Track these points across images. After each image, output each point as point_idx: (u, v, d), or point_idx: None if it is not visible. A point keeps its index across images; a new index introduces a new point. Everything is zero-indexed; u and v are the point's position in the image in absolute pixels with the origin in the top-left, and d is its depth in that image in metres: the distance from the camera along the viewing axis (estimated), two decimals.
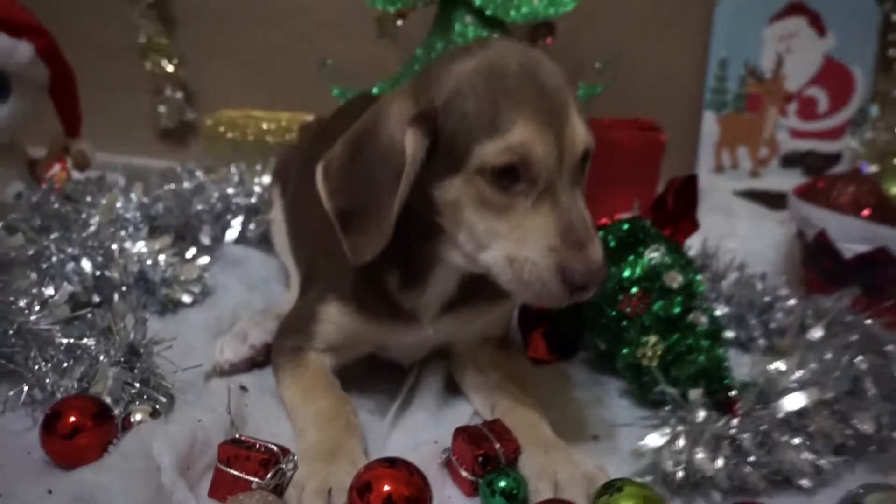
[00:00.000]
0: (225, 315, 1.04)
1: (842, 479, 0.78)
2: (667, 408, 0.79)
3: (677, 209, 1.06)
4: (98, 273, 1.04)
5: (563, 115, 0.69)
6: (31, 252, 1.01)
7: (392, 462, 0.65)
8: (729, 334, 1.07)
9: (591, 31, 1.60)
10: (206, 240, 1.23)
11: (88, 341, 0.83)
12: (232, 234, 1.26)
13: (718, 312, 1.08)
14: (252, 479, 0.67)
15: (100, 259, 1.05)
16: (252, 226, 1.27)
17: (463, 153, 0.68)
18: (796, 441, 0.77)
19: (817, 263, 1.17)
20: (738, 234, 1.42)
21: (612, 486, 0.67)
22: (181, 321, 1.05)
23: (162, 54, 1.74)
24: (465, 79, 0.69)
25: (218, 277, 1.17)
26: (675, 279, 0.93)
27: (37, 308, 0.85)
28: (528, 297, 0.70)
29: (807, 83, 1.66)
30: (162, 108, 1.77)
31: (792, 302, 1.03)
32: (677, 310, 0.90)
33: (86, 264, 1.04)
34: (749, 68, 1.67)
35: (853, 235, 1.08)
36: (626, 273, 0.95)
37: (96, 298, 1.04)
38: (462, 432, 0.75)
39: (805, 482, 0.76)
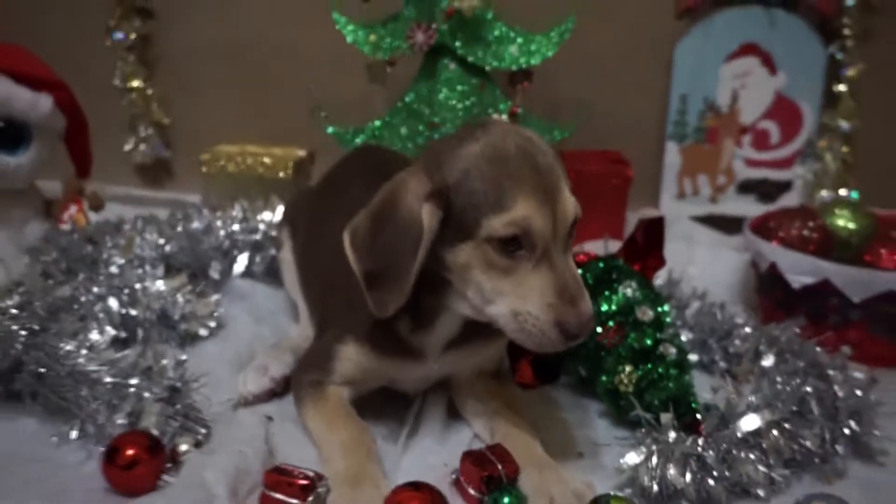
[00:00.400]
0: (242, 350, 1.15)
1: (791, 488, 0.91)
2: (642, 430, 0.92)
3: (646, 247, 1.19)
4: (123, 311, 1.15)
5: (556, 191, 0.82)
6: (66, 292, 1.11)
7: (417, 486, 0.77)
8: (693, 357, 1.21)
9: (565, 75, 1.74)
10: (215, 275, 1.33)
11: (132, 380, 0.93)
12: (238, 268, 1.36)
13: (683, 338, 1.21)
14: (294, 501, 0.79)
15: (125, 298, 1.15)
16: (258, 260, 1.37)
17: (473, 225, 0.81)
18: (752, 457, 0.90)
19: (769, 292, 1.31)
20: (699, 261, 1.56)
21: (600, 501, 0.79)
22: (200, 353, 1.15)
23: (138, 94, 1.83)
24: (473, 162, 0.81)
25: (228, 310, 1.28)
26: (646, 313, 1.06)
27: (83, 351, 0.95)
28: (529, 345, 0.83)
29: (760, 117, 1.81)
30: (140, 146, 1.86)
31: (747, 330, 1.16)
32: (649, 342, 1.03)
33: (112, 303, 1.14)
34: (708, 103, 1.81)
35: (801, 269, 1.22)
36: (604, 307, 1.08)
37: (123, 334, 1.14)
38: (469, 456, 0.87)
39: (760, 492, 0.89)
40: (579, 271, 1.10)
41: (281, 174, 1.58)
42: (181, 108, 1.86)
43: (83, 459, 0.88)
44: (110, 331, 1.00)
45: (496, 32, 1.47)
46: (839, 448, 0.96)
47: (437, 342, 0.95)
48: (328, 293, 1.02)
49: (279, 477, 0.80)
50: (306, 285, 1.18)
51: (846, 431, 0.97)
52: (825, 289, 1.21)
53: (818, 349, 1.09)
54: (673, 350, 1.02)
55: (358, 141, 1.52)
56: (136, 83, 1.83)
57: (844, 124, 1.76)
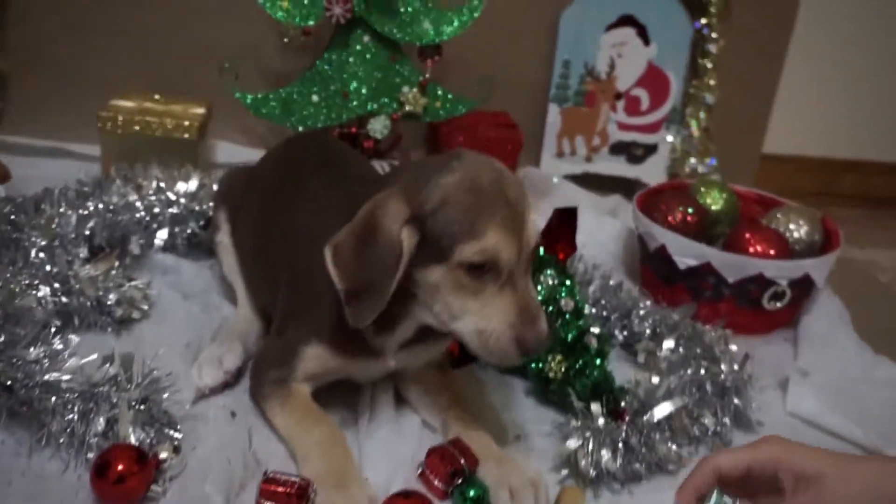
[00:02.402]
0: (182, 335, 1.17)
1: (693, 460, 1.08)
2: (575, 417, 1.05)
3: (560, 234, 1.31)
4: (55, 300, 1.13)
5: (522, 222, 0.91)
6: None
7: (407, 494, 0.87)
8: (594, 330, 1.36)
9: (462, 39, 1.79)
10: (136, 250, 1.32)
11: (101, 389, 0.95)
12: (158, 242, 1.35)
13: (587, 311, 1.36)
14: None
15: (56, 286, 1.14)
16: (177, 232, 1.36)
17: (447, 249, 0.89)
18: (667, 437, 1.06)
19: (656, 266, 1.48)
20: (584, 228, 1.69)
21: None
22: (138, 340, 1.16)
23: None
24: (451, 192, 0.89)
25: (152, 287, 1.28)
26: (568, 304, 1.19)
27: (46, 362, 0.95)
28: (490, 359, 0.93)
29: (633, 84, 1.96)
30: None
31: (644, 311, 1.32)
32: (573, 333, 1.16)
33: (44, 290, 1.13)
34: (588, 69, 1.93)
35: (687, 252, 1.39)
36: None
37: (57, 322, 1.13)
38: (434, 452, 0.97)
39: (672, 467, 1.06)
40: None
41: (186, 135, 1.55)
42: (71, 52, 1.74)
43: (62, 470, 0.90)
44: (74, 338, 1.00)
45: (409, 8, 1.50)
46: (727, 421, 1.15)
47: (395, 342, 1.03)
48: (290, 292, 1.07)
49: (272, 487, 0.87)
50: (247, 273, 1.21)
51: (731, 407, 1.16)
52: (705, 269, 1.38)
53: (707, 328, 1.27)
54: (595, 340, 1.16)
55: (266, 107, 1.52)
56: None
57: (708, 96, 1.94)
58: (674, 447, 1.06)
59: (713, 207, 1.57)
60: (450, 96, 1.60)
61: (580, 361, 1.14)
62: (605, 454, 1.01)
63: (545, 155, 1.98)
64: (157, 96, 1.64)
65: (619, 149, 2.01)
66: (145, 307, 1.21)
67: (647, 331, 1.29)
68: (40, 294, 1.12)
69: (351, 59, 1.50)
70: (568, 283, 1.23)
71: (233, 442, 0.96)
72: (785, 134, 2.27)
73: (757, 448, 0.84)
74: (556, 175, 1.93)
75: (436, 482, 0.96)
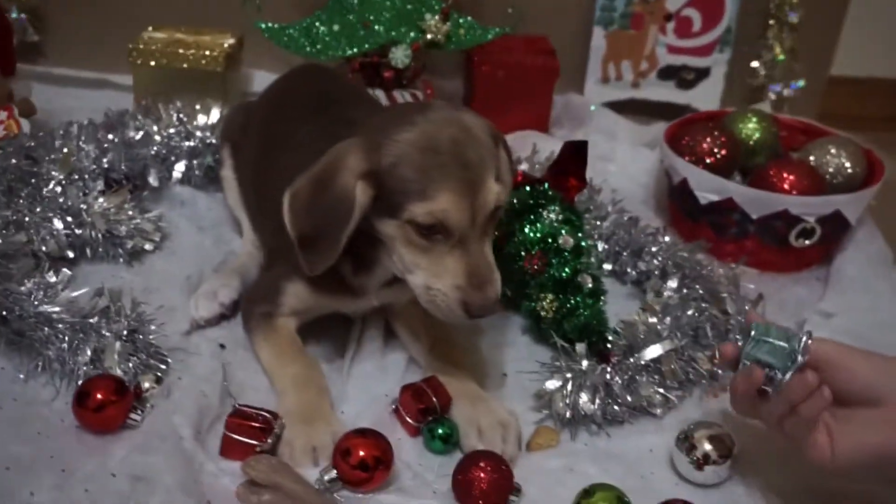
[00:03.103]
0: (189, 269, 1.20)
1: (683, 404, 1.06)
2: (559, 357, 1.04)
3: (570, 169, 1.27)
4: (68, 232, 1.19)
5: (479, 183, 0.89)
6: (9, 215, 1.14)
7: (363, 432, 0.89)
8: (607, 267, 1.33)
9: None
10: (154, 182, 1.36)
11: (91, 320, 1.00)
12: (177, 175, 1.39)
13: (599, 248, 1.33)
14: (254, 442, 0.89)
15: (69, 219, 1.19)
16: (195, 166, 1.39)
17: (399, 206, 0.88)
18: (653, 380, 1.04)
19: (680, 202, 1.42)
20: (618, 159, 1.65)
21: (587, 493, 0.87)
22: (149, 271, 1.21)
23: None
24: (406, 149, 0.88)
25: (168, 217, 1.32)
26: (568, 241, 1.16)
27: (40, 294, 1.00)
28: (438, 315, 0.93)
29: (684, 4, 1.85)
30: None
31: (655, 248, 1.27)
32: (567, 271, 1.13)
33: (58, 224, 1.18)
34: None
35: (708, 187, 1.33)
36: (529, 234, 1.17)
37: (70, 254, 1.19)
38: (407, 389, 0.98)
39: (658, 411, 1.03)
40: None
41: (212, 67, 1.57)
42: None
43: (53, 396, 0.96)
44: (66, 272, 1.04)
45: None
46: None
47: (376, 282, 1.04)
48: (277, 231, 1.08)
49: (239, 420, 0.90)
50: (250, 207, 1.23)
51: None
52: (728, 205, 1.32)
53: (719, 269, 1.22)
54: (589, 280, 1.13)
55: (288, 37, 1.51)
56: None
57: (792, 14, 1.81)
58: (660, 390, 1.03)
59: (750, 139, 1.48)
60: (474, 23, 1.55)
61: (572, 301, 1.11)
62: (584, 396, 1.00)
63: (589, 81, 1.90)
64: (184, 29, 1.65)
65: (669, 73, 1.91)
66: (157, 239, 1.26)
67: (658, 269, 1.25)
68: (54, 227, 1.17)
69: None
70: (573, 219, 1.20)
71: (214, 375, 1.00)
72: (854, 55, 2.10)
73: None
74: (595, 103, 1.85)
75: (408, 419, 0.98)
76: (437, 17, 1.50)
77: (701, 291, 1.15)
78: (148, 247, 1.24)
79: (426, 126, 0.89)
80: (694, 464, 0.94)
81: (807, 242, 1.33)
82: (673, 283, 1.18)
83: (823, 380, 0.82)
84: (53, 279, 1.02)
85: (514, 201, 1.20)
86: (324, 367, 1.07)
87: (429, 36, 1.50)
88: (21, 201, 1.18)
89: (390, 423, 0.99)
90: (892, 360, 0.86)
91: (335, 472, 0.86)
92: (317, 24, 1.52)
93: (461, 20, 1.55)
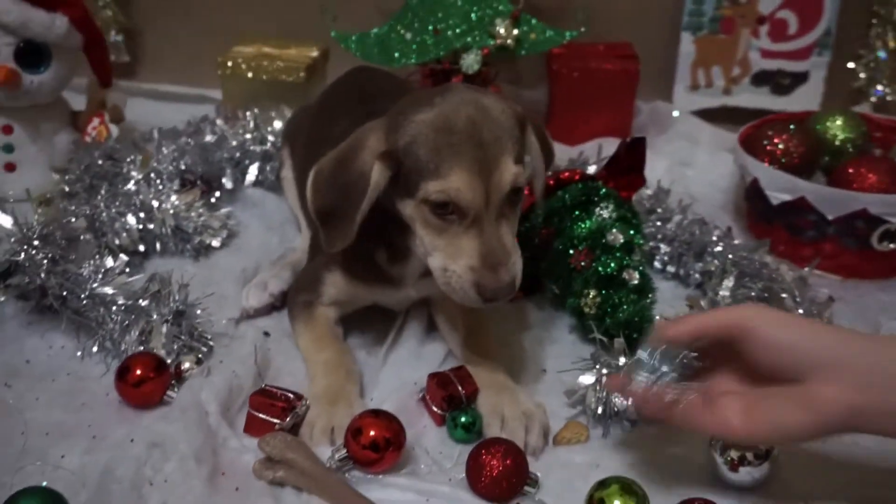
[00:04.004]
0: (249, 264, 1.26)
1: None
2: (593, 352, 1.01)
3: (628, 167, 1.24)
4: (141, 227, 1.26)
5: (493, 164, 0.88)
6: (86, 211, 1.22)
7: (376, 413, 0.89)
8: (670, 269, 1.28)
9: None
10: (228, 184, 1.43)
11: (143, 302, 1.05)
12: (250, 178, 1.45)
13: (662, 250, 1.28)
14: (276, 420, 0.91)
15: (142, 215, 1.26)
16: (268, 170, 1.46)
17: (414, 185, 0.89)
18: None
19: (753, 203, 1.36)
20: (698, 164, 1.60)
21: (602, 484, 0.84)
22: (213, 266, 1.27)
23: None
24: (422, 129, 0.88)
25: (240, 218, 1.38)
26: (617, 237, 1.13)
27: (99, 276, 1.07)
28: (454, 297, 0.93)
29: (778, 6, 1.78)
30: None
31: (718, 248, 1.22)
32: (612, 266, 1.10)
33: (131, 220, 1.26)
34: None
35: (779, 186, 1.26)
36: (577, 230, 1.15)
37: (141, 248, 1.27)
38: (433, 377, 0.98)
39: None
40: (559, 192, 1.19)
41: (293, 78, 1.63)
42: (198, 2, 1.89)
43: (103, 373, 1.02)
44: (123, 257, 1.11)
45: None
46: None
47: (413, 272, 1.04)
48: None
49: (263, 398, 0.93)
50: (304, 205, 1.27)
51: None
52: (801, 205, 1.25)
53: (787, 271, 1.16)
54: (636, 275, 1.10)
55: (364, 47, 1.56)
56: None
57: None
58: None
59: (836, 139, 1.40)
60: (545, 27, 1.55)
61: (615, 297, 1.08)
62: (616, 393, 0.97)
63: (678, 88, 1.85)
64: (273, 42, 1.73)
65: (763, 79, 1.83)
66: (224, 236, 1.31)
67: (718, 269, 1.19)
68: (127, 222, 1.25)
69: None
70: (629, 217, 1.17)
71: (250, 357, 1.03)
72: None
73: (711, 314, 0.81)
74: (683, 110, 1.80)
75: (433, 407, 0.97)
76: (506, 22, 1.50)
77: (756, 291, 1.09)
78: (214, 243, 1.30)
79: (444, 106, 0.89)
80: (728, 464, 0.88)
81: (891, 246, 1.23)
82: (729, 283, 1.12)
83: (746, 350, 0.78)
84: (111, 263, 1.08)
85: (566, 197, 1.18)
86: (362, 355, 1.08)
87: (498, 41, 1.51)
88: (99, 198, 1.26)
89: (417, 410, 0.99)
90: (828, 332, 0.79)
91: (346, 451, 0.87)
92: (390, 33, 1.56)
93: (532, 23, 1.54)
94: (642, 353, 0.84)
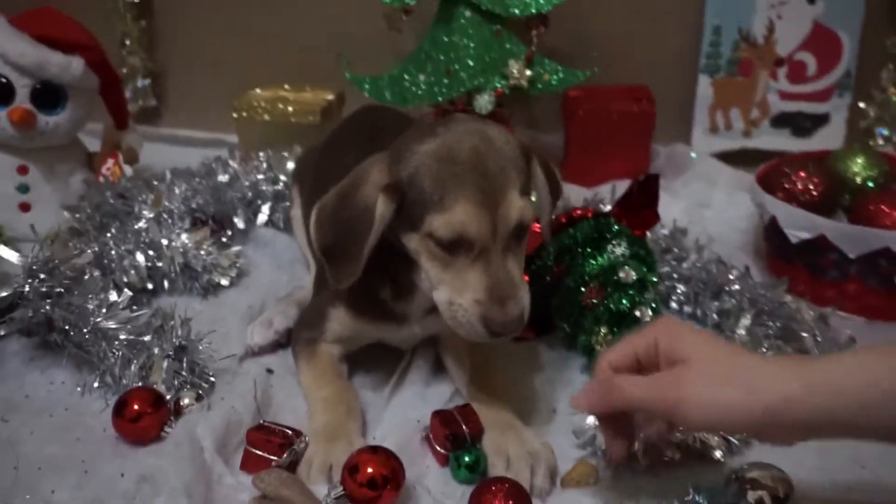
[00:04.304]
0: (256, 303, 1.24)
1: (750, 448, 0.96)
2: None
3: (641, 204, 1.21)
4: (149, 265, 1.25)
5: (500, 196, 0.86)
6: (95, 250, 1.22)
7: (375, 449, 0.86)
8: (687, 309, 1.25)
9: (590, 10, 1.73)
10: (240, 224, 1.42)
11: (145, 338, 1.04)
12: (262, 218, 1.45)
13: (679, 290, 1.25)
14: (273, 458, 0.88)
15: (150, 253, 1.26)
16: (279, 210, 1.45)
17: (419, 218, 0.87)
18: None
19: (773, 242, 1.33)
20: (715, 205, 1.57)
21: None
22: (221, 304, 1.25)
23: (135, 46, 1.90)
24: (425, 161, 0.87)
25: (251, 257, 1.38)
26: (630, 275, 1.10)
27: (103, 311, 1.06)
28: (460, 332, 0.90)
29: (796, 48, 1.76)
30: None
31: (736, 287, 1.18)
32: (625, 303, 1.07)
33: (139, 257, 1.25)
34: (742, 34, 1.77)
35: (798, 224, 1.23)
36: (587, 267, 1.12)
37: (150, 286, 1.26)
38: (437, 415, 0.95)
39: (717, 454, 0.94)
40: (570, 230, 1.16)
41: (308, 120, 1.64)
42: (215, 49, 1.91)
43: (102, 408, 1.00)
44: (128, 292, 1.10)
45: None
46: None
47: (418, 309, 1.02)
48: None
49: (260, 434, 0.90)
50: (311, 243, 1.25)
51: None
52: (822, 243, 1.21)
53: (805, 307, 1.12)
54: (650, 313, 1.06)
55: (379, 89, 1.56)
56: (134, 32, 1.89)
57: None
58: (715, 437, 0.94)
59: (857, 177, 1.37)
60: (558, 67, 1.54)
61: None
62: None
63: (696, 131, 1.83)
64: (288, 87, 1.75)
65: (783, 121, 1.81)
66: (233, 275, 1.30)
67: (735, 308, 1.16)
68: (136, 260, 1.25)
69: (454, 36, 1.50)
70: (642, 254, 1.14)
71: (250, 393, 1.00)
72: None
73: (642, 333, 0.81)
74: (701, 153, 1.77)
75: (436, 446, 0.94)
76: (520, 63, 1.50)
77: (774, 330, 1.05)
78: (224, 282, 1.29)
79: (447, 136, 0.88)
80: None
81: None
82: (746, 321, 1.08)
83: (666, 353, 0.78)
84: (115, 298, 1.07)
85: (578, 234, 1.15)
86: (367, 394, 1.06)
87: (512, 81, 1.50)
88: (109, 235, 1.26)
89: (420, 449, 0.95)
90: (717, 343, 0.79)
91: (342, 489, 0.84)
92: (403, 74, 1.56)
93: (546, 63, 1.54)
94: None
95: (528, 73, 1.51)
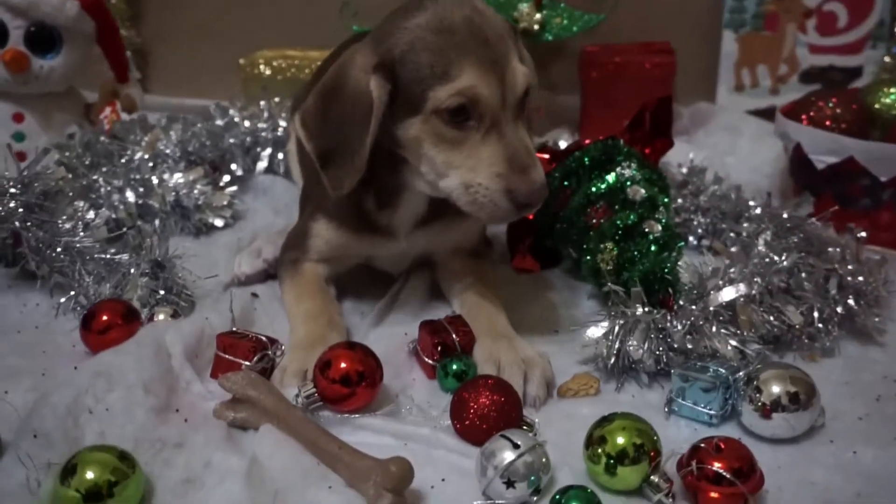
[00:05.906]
0: (245, 236, 1.19)
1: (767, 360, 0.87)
2: (610, 304, 0.89)
3: (653, 128, 1.14)
4: (140, 202, 1.21)
5: (504, 61, 0.81)
6: (83, 184, 1.17)
7: (352, 345, 0.79)
8: (706, 242, 1.17)
9: None
10: (238, 171, 1.37)
11: (122, 257, 0.98)
12: (262, 164, 1.40)
13: (697, 221, 1.17)
14: (243, 362, 0.82)
15: (141, 190, 1.21)
16: (280, 157, 1.40)
17: (420, 98, 0.80)
18: (724, 331, 0.86)
19: (798, 175, 1.24)
20: (739, 152, 1.48)
21: (605, 420, 0.71)
22: (212, 243, 1.20)
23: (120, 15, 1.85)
24: (419, 33, 0.81)
25: (249, 204, 1.33)
26: (638, 192, 1.02)
27: (80, 231, 1.01)
28: (483, 217, 0.83)
29: None
30: None
31: (757, 211, 1.10)
32: (633, 218, 0.99)
33: (129, 194, 1.20)
34: None
35: (824, 148, 1.15)
36: (594, 188, 1.05)
37: (140, 223, 1.21)
38: (425, 325, 0.88)
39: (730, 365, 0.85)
40: (577, 153, 1.09)
41: (307, 71, 1.60)
42: (219, 16, 1.89)
43: (74, 328, 0.94)
44: (105, 212, 1.05)
45: None
46: (831, 328, 0.91)
47: (404, 220, 0.95)
48: (307, 177, 1.05)
49: (231, 339, 0.84)
50: (304, 170, 1.20)
51: (839, 310, 0.92)
52: (850, 168, 1.12)
53: (827, 226, 1.03)
54: (658, 227, 0.98)
55: None
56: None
57: None
58: (733, 342, 0.85)
59: (891, 109, 1.27)
60: (571, 11, 1.48)
61: (633, 250, 0.96)
62: (632, 342, 0.85)
63: (721, 89, 1.75)
64: (295, 48, 1.71)
65: (813, 76, 1.72)
66: (227, 215, 1.25)
67: (753, 228, 1.07)
68: (125, 197, 1.20)
69: None
70: (653, 177, 1.07)
71: (224, 309, 0.94)
72: None
73: None
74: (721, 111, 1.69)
75: (424, 357, 0.87)
76: (529, 5, 1.44)
77: (795, 240, 0.96)
78: (218, 222, 1.24)
79: (437, 9, 0.82)
80: (760, 411, 0.75)
81: None
82: (766, 236, 1.00)
83: None
84: (92, 217, 1.02)
85: (584, 157, 1.08)
86: (355, 320, 0.99)
87: (522, 24, 1.44)
88: (99, 173, 1.21)
89: (407, 363, 0.88)
90: None
91: (314, 387, 0.77)
92: None
93: (560, 8, 1.48)
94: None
95: (538, 16, 1.44)
